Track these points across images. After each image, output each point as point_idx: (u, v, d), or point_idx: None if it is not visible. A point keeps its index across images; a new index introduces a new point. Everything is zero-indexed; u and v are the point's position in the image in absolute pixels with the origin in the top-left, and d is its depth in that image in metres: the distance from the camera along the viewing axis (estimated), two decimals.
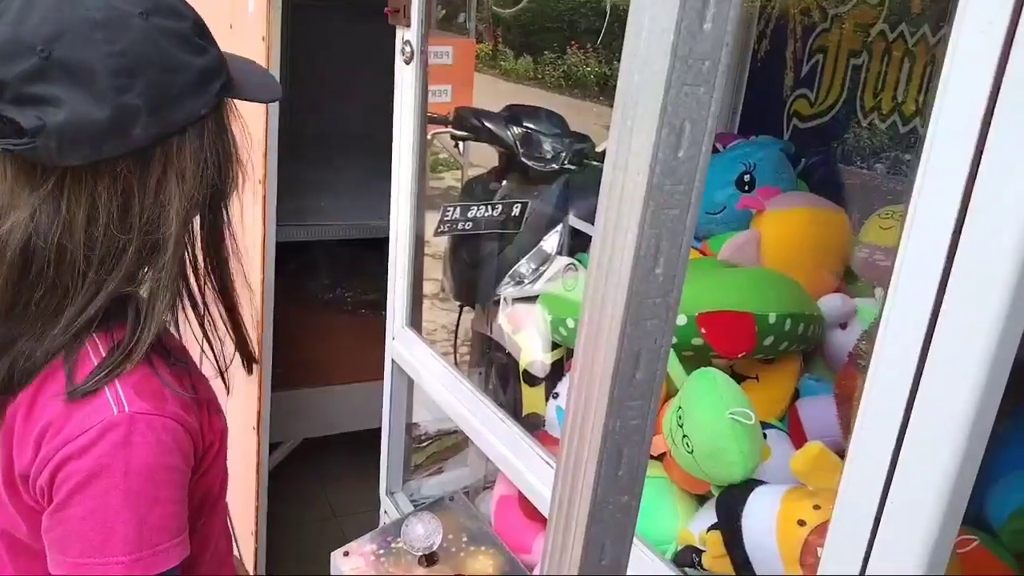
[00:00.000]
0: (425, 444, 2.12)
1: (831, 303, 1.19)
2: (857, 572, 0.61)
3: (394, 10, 1.45)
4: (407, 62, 1.47)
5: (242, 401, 2.07)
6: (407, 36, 1.44)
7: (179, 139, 0.81)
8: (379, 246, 2.60)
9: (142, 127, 0.78)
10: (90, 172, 0.79)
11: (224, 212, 0.90)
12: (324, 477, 2.93)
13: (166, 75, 0.79)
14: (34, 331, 0.82)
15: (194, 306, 0.90)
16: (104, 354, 0.82)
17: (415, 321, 1.66)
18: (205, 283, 0.90)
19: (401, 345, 1.63)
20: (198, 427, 0.85)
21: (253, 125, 1.83)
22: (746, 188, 1.46)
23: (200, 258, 0.90)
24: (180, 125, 0.81)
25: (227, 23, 2.01)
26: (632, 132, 0.55)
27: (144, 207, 0.81)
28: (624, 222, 0.56)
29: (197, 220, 0.88)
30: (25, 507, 0.84)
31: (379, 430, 1.72)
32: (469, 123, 2.10)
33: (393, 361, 1.66)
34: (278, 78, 1.77)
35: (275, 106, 1.78)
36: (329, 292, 3.00)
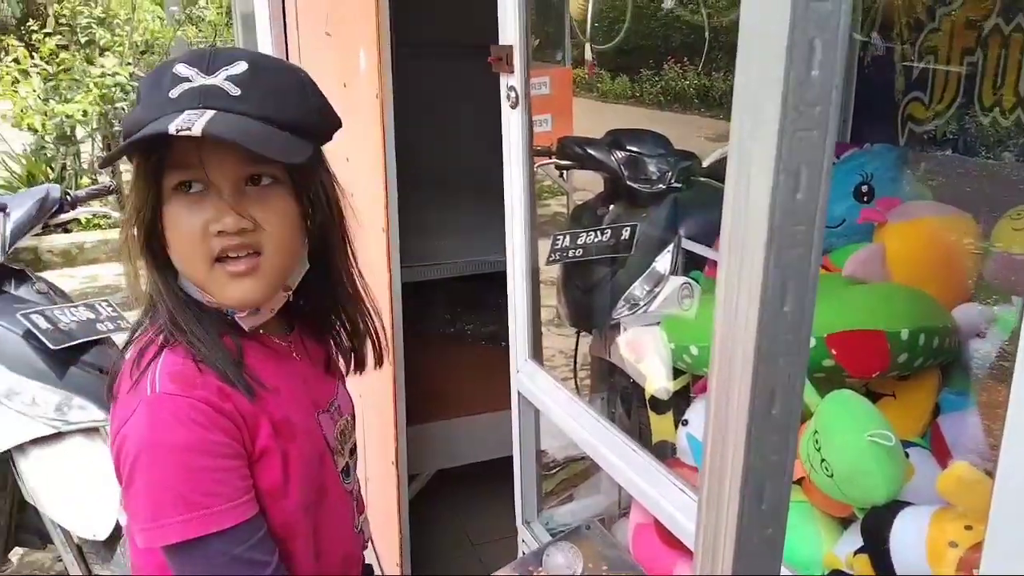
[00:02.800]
0: (555, 471, 2.15)
1: (966, 313, 1.15)
2: None
3: (497, 58, 1.50)
4: (513, 107, 1.52)
5: (379, 437, 2.17)
6: (511, 82, 1.50)
7: None
8: (494, 279, 2.67)
9: None
10: None
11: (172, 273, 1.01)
12: (459, 507, 3.00)
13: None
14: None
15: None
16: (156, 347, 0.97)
17: (537, 352, 1.70)
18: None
19: (526, 377, 1.67)
20: (239, 415, 0.94)
21: (371, 177, 1.93)
22: (864, 199, 1.43)
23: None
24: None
25: (340, 82, 2.13)
26: (749, 179, 0.57)
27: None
28: (748, 265, 0.58)
29: None
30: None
31: (508, 458, 1.76)
32: (573, 152, 2.13)
33: (519, 393, 1.70)
34: (391, 130, 1.85)
35: (392, 159, 1.86)
36: (450, 327, 3.09)
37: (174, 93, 0.92)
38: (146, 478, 0.91)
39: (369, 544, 1.23)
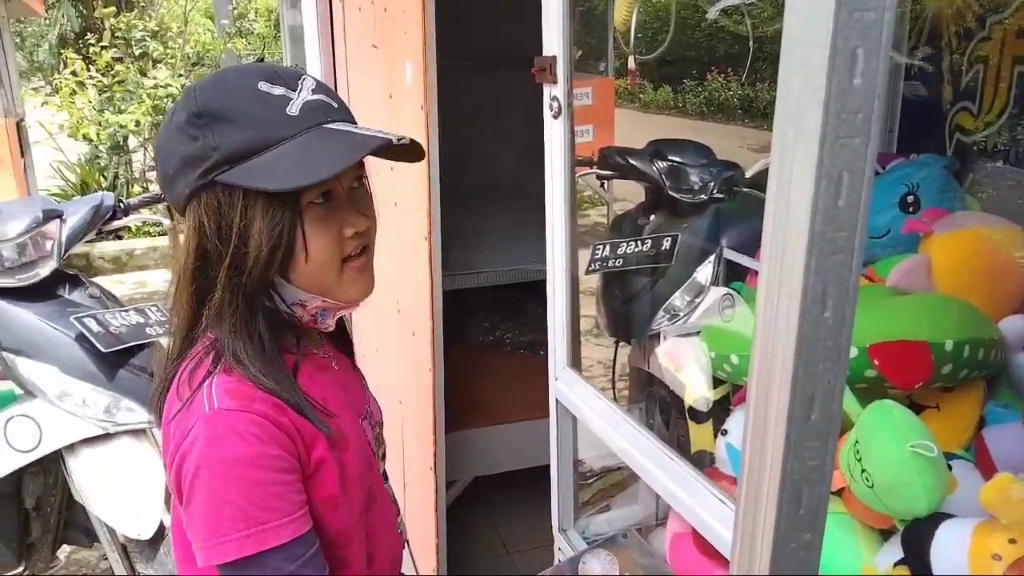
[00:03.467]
0: (591, 481, 2.14)
1: (1013, 325, 1.13)
2: None
3: (540, 69, 1.52)
4: (555, 117, 1.53)
5: (418, 443, 2.19)
6: (554, 92, 1.51)
7: (188, 210, 0.98)
8: (532, 288, 2.69)
9: (167, 197, 1.01)
10: None
11: (267, 294, 0.99)
12: (495, 513, 3.00)
13: (161, 162, 1.00)
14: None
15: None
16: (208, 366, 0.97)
17: (575, 360, 1.70)
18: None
19: (564, 385, 1.67)
20: (295, 430, 0.95)
21: (415, 187, 1.96)
22: (910, 209, 1.42)
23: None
24: (180, 201, 0.98)
25: (387, 93, 2.17)
26: (791, 185, 0.58)
27: (178, 251, 1.01)
28: (789, 270, 0.58)
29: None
30: (179, 507, 0.98)
31: (545, 467, 1.76)
32: (614, 162, 2.13)
33: (557, 401, 1.70)
34: (436, 141, 1.88)
35: (435, 169, 1.88)
36: (489, 335, 3.11)
37: (292, 110, 0.94)
38: (205, 493, 0.90)
39: (406, 544, 1.25)
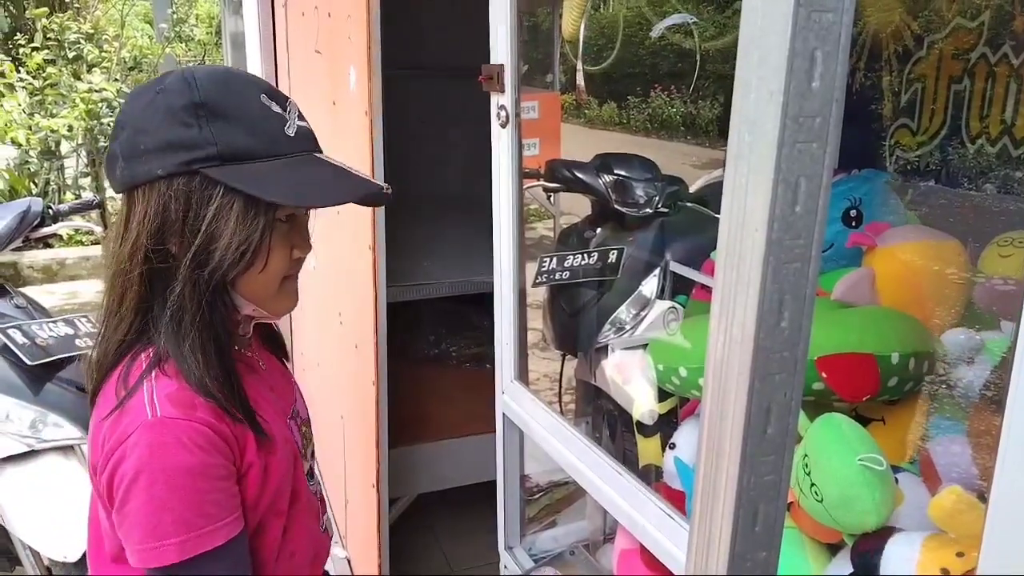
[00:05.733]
0: (538, 496, 2.12)
1: (955, 338, 1.14)
2: None
3: (488, 77, 1.50)
4: (503, 126, 1.51)
5: (361, 459, 2.13)
6: (502, 101, 1.49)
7: (145, 188, 0.97)
8: (479, 301, 2.66)
9: (120, 169, 0.99)
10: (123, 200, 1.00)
11: (223, 295, 1.00)
12: (439, 531, 2.96)
13: (137, 133, 0.97)
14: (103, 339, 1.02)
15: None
16: (145, 367, 0.97)
17: (523, 374, 1.68)
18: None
19: (511, 399, 1.65)
20: (233, 437, 0.97)
21: None
22: (853, 223, 1.43)
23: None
24: (142, 178, 0.96)
25: (330, 100, 2.12)
26: (747, 190, 0.56)
27: (123, 237, 0.99)
28: (745, 278, 0.56)
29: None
30: (101, 496, 0.99)
31: (491, 483, 1.73)
32: (561, 175, 2.13)
33: (504, 415, 1.68)
34: (380, 148, 1.85)
35: (379, 178, 1.85)
36: (435, 348, 3.07)
37: (290, 131, 1.00)
38: (145, 498, 0.92)
39: (337, 541, 1.25)
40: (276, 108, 0.99)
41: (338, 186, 1.03)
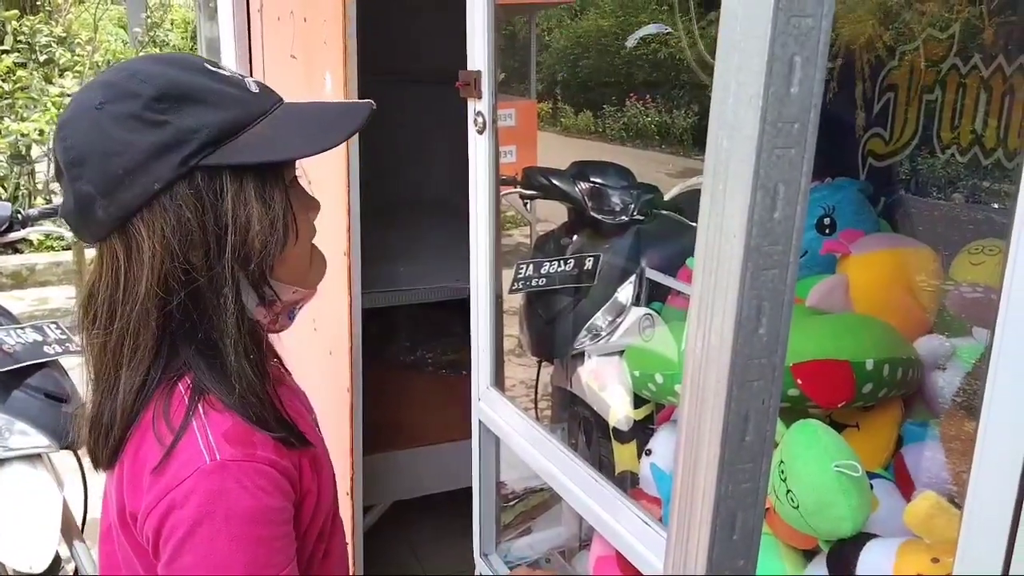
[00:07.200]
0: (513, 503, 2.11)
1: (928, 345, 1.15)
2: None
3: (465, 83, 1.50)
4: (480, 132, 1.51)
5: (335, 467, 2.11)
6: (479, 107, 1.49)
7: (143, 213, 0.84)
8: (455, 307, 2.65)
9: (102, 209, 0.85)
10: (103, 248, 0.88)
11: (259, 288, 0.90)
12: (414, 539, 2.94)
13: (107, 159, 0.84)
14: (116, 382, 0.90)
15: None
16: (188, 402, 0.87)
17: (499, 380, 1.68)
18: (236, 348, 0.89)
19: (487, 405, 1.64)
20: (294, 469, 0.89)
21: (334, 202, 1.91)
22: (827, 231, 1.44)
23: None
24: (137, 202, 0.84)
25: (305, 100, 2.11)
26: (725, 196, 0.56)
27: (130, 279, 0.86)
28: (724, 285, 0.56)
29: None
30: (139, 545, 0.89)
31: (466, 489, 1.72)
32: (537, 182, 2.14)
33: (480, 422, 1.67)
34: (356, 154, 1.83)
35: (356, 183, 1.84)
36: (410, 355, 3.06)
37: (254, 88, 0.90)
38: (205, 552, 0.83)
39: None
40: (226, 72, 0.90)
41: (336, 120, 0.94)
